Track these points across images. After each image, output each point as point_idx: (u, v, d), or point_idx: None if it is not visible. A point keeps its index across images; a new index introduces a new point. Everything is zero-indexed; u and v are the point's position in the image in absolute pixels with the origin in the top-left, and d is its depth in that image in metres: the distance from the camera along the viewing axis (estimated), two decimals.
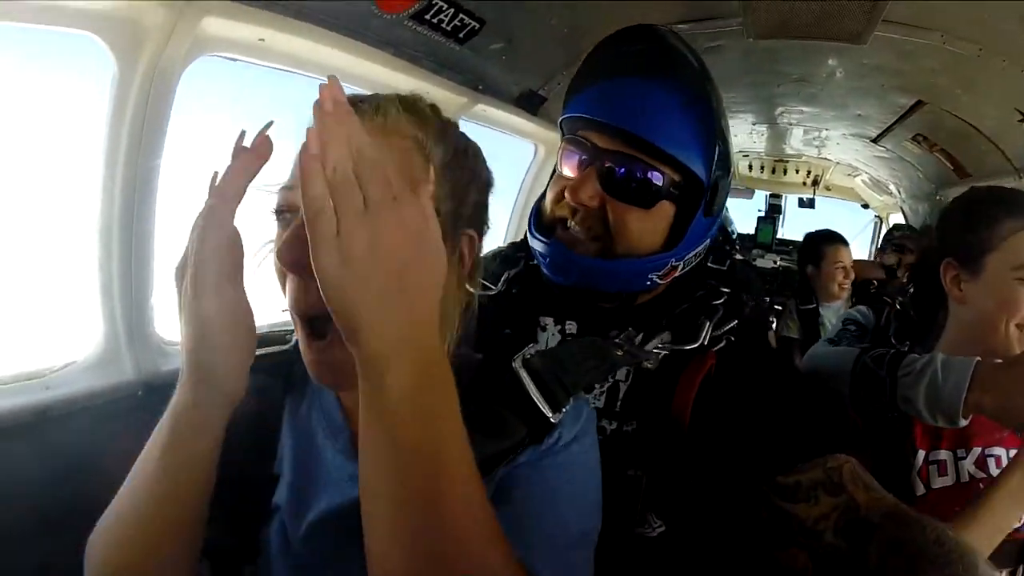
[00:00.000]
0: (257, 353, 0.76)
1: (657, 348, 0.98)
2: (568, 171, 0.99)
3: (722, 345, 1.00)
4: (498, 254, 1.18)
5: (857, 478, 0.91)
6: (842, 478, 0.90)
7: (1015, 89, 2.06)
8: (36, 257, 1.39)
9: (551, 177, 1.05)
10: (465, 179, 0.74)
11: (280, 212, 0.67)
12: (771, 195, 4.93)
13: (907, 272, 1.73)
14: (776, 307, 4.14)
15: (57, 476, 1.22)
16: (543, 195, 1.06)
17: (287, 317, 0.72)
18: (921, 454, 1.16)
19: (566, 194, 0.95)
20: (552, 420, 0.73)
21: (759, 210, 4.98)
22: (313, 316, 0.65)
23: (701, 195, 0.98)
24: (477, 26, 1.79)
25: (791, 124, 3.32)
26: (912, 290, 1.44)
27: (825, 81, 2.56)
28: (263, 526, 0.75)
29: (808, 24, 2.03)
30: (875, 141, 3.11)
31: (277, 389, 0.80)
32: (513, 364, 0.76)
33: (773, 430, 0.98)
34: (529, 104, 2.42)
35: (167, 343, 1.48)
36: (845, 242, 3.07)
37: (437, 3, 1.61)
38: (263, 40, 1.42)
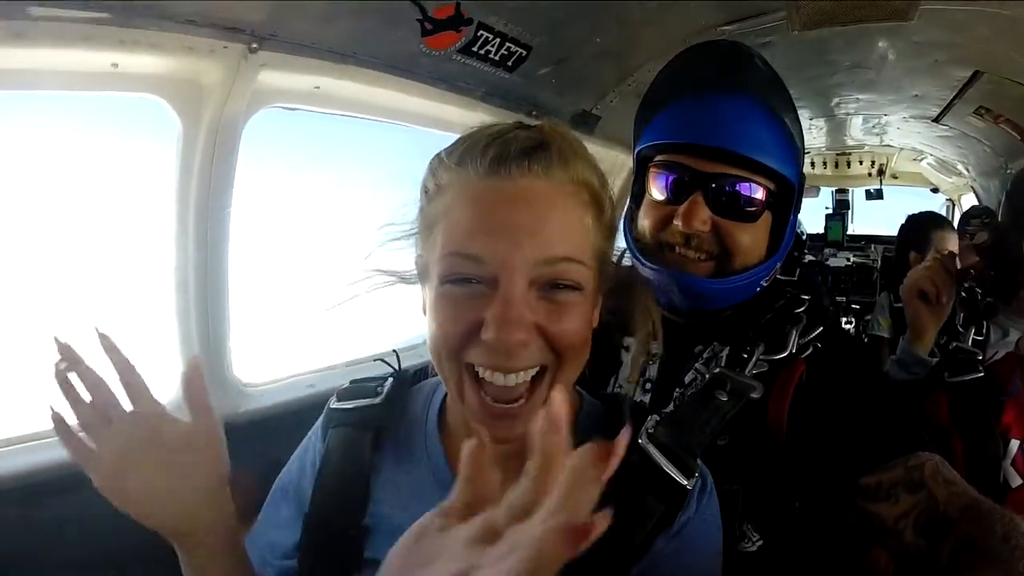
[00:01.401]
0: (347, 407, 0.81)
1: (754, 371, 0.97)
2: (661, 195, 0.99)
3: (810, 352, 0.99)
4: None
5: (938, 474, 0.88)
6: (923, 476, 0.88)
7: None
8: (120, 309, 1.45)
9: (632, 199, 1.07)
10: (617, 222, 0.77)
11: (462, 280, 0.65)
12: (837, 190, 4.68)
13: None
14: (854, 305, 3.94)
15: (128, 519, 1.26)
16: (628, 218, 1.06)
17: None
18: (1015, 443, 1.08)
19: (678, 223, 0.95)
20: (688, 487, 0.73)
21: (826, 207, 4.72)
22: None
23: (791, 197, 1.01)
24: (524, 53, 1.79)
25: (849, 114, 3.16)
26: (992, 273, 1.37)
27: (878, 65, 2.43)
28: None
29: (852, 8, 1.94)
30: (937, 120, 2.92)
31: (365, 444, 0.79)
32: (639, 441, 0.75)
33: (862, 433, 0.96)
34: (584, 124, 2.40)
35: (245, 384, 1.53)
36: (952, 227, 2.79)
37: (483, 35, 1.62)
38: (319, 88, 1.46)
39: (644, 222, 1.02)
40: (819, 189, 4.73)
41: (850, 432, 0.96)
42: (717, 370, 0.94)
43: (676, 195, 0.97)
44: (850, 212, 4.66)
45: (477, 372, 0.67)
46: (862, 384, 1.04)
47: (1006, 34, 1.99)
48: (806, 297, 1.06)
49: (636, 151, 1.05)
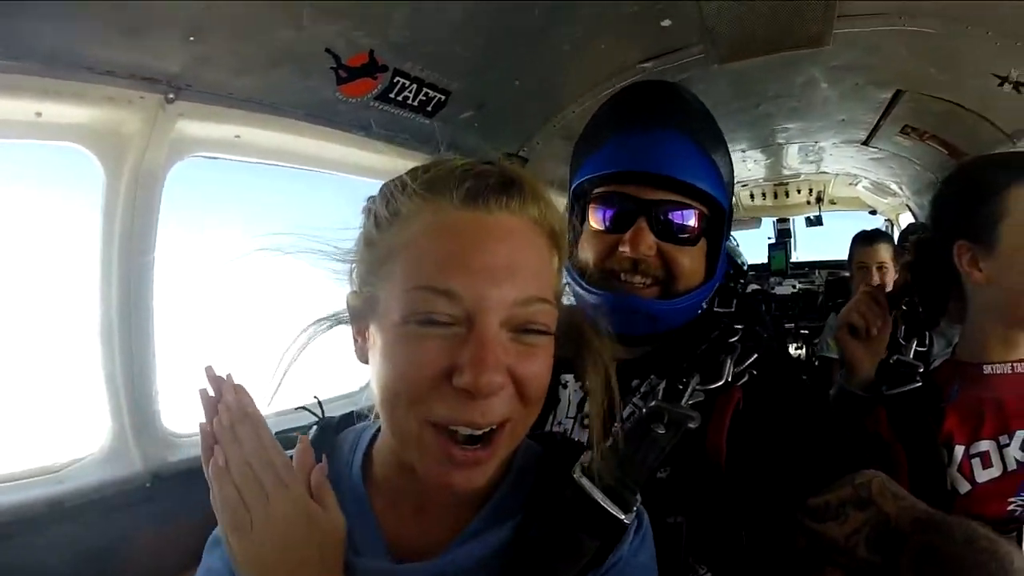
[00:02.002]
0: None
1: (690, 401, 0.99)
2: (603, 225, 1.04)
3: (746, 379, 1.02)
4: None
5: (886, 490, 0.90)
6: (871, 492, 0.89)
7: (986, 54, 1.99)
8: (47, 360, 1.46)
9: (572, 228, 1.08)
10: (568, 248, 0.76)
11: (428, 320, 0.60)
12: (778, 220, 4.83)
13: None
14: (802, 331, 4.02)
15: (73, 565, 1.25)
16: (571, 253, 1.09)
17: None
18: (960, 449, 1.09)
19: (624, 249, 1.00)
20: (625, 521, 0.72)
21: (769, 237, 4.89)
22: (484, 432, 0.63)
23: (723, 224, 1.07)
24: (443, 98, 1.86)
25: (782, 143, 3.29)
26: (916, 286, 1.41)
27: (802, 92, 2.55)
28: None
29: (768, 38, 2.05)
30: (866, 143, 3.05)
31: None
32: (573, 475, 0.75)
33: (805, 455, 0.97)
34: None
35: (173, 435, 1.52)
36: (869, 240, 2.89)
37: (399, 81, 1.69)
38: (239, 137, 1.52)
39: (586, 254, 1.05)
40: (760, 220, 4.89)
41: (792, 455, 0.97)
42: (653, 403, 0.95)
43: (619, 224, 1.02)
44: (792, 240, 4.83)
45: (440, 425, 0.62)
46: (801, 407, 1.06)
47: (921, 51, 2.12)
48: (739, 326, 1.09)
49: (573, 186, 1.10)
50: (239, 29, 1.28)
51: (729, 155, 1.10)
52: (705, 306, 1.14)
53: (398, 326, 0.61)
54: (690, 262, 1.04)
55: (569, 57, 2.02)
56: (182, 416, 1.54)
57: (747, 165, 3.73)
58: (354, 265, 0.71)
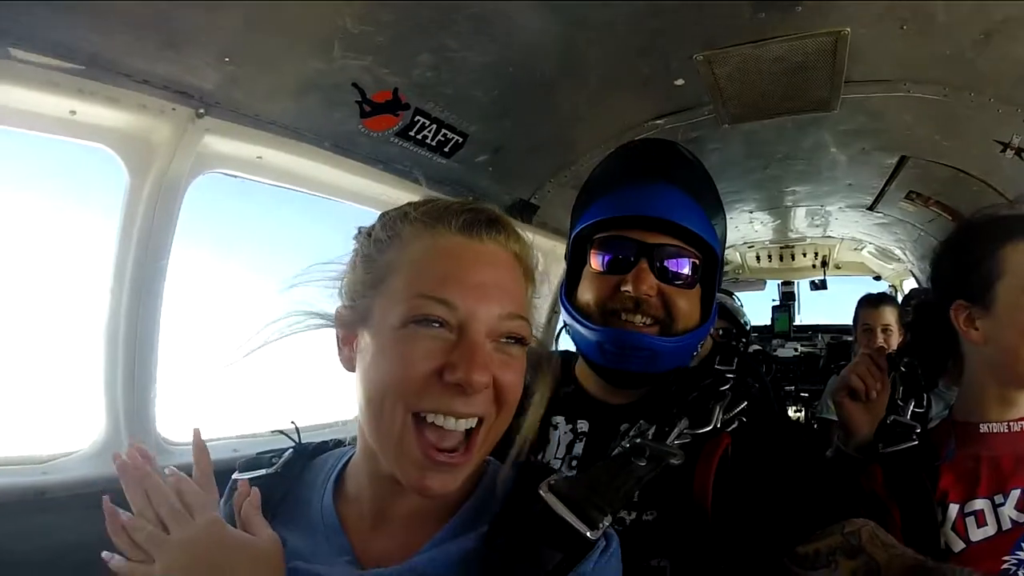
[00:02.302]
0: (245, 477, 0.86)
1: (676, 441, 1.01)
2: (605, 267, 1.10)
3: (735, 426, 1.04)
4: None
5: (876, 538, 0.91)
6: (861, 540, 0.90)
7: (989, 121, 2.04)
8: (54, 352, 1.49)
9: (569, 275, 1.18)
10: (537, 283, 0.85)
11: (428, 323, 0.70)
12: (783, 283, 4.87)
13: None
14: (803, 393, 3.97)
15: (50, 555, 1.26)
16: (564, 294, 1.17)
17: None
18: (954, 508, 1.07)
19: (627, 289, 1.05)
20: (591, 537, 0.74)
21: (773, 299, 4.91)
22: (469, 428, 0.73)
23: (715, 271, 1.14)
24: (460, 140, 1.93)
25: (790, 206, 3.35)
26: (916, 347, 1.42)
27: (810, 155, 2.61)
28: None
29: (777, 101, 2.13)
30: (871, 208, 3.09)
31: None
32: (540, 491, 0.78)
33: (793, 502, 0.99)
34: (522, 213, 2.52)
35: (166, 441, 1.54)
36: (875, 303, 2.91)
37: (420, 120, 1.77)
38: (261, 158, 1.59)
39: (587, 295, 1.11)
40: (765, 282, 4.90)
41: (780, 502, 0.99)
42: (638, 440, 0.98)
43: (621, 266, 1.07)
44: (796, 303, 4.83)
45: (421, 418, 0.70)
46: (790, 455, 1.08)
47: (926, 117, 2.18)
48: (731, 376, 1.14)
49: (574, 232, 1.16)
50: (271, 55, 1.36)
51: (724, 214, 1.18)
52: (699, 351, 1.19)
53: (396, 329, 0.71)
54: (688, 304, 1.09)
55: (583, 111, 2.11)
56: (176, 424, 1.57)
57: (754, 226, 3.78)
58: (344, 282, 0.81)
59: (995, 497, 1.06)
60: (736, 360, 1.39)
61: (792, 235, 4.06)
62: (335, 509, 0.81)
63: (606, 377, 1.14)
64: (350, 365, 0.78)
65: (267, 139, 1.55)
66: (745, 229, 3.83)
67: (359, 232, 0.83)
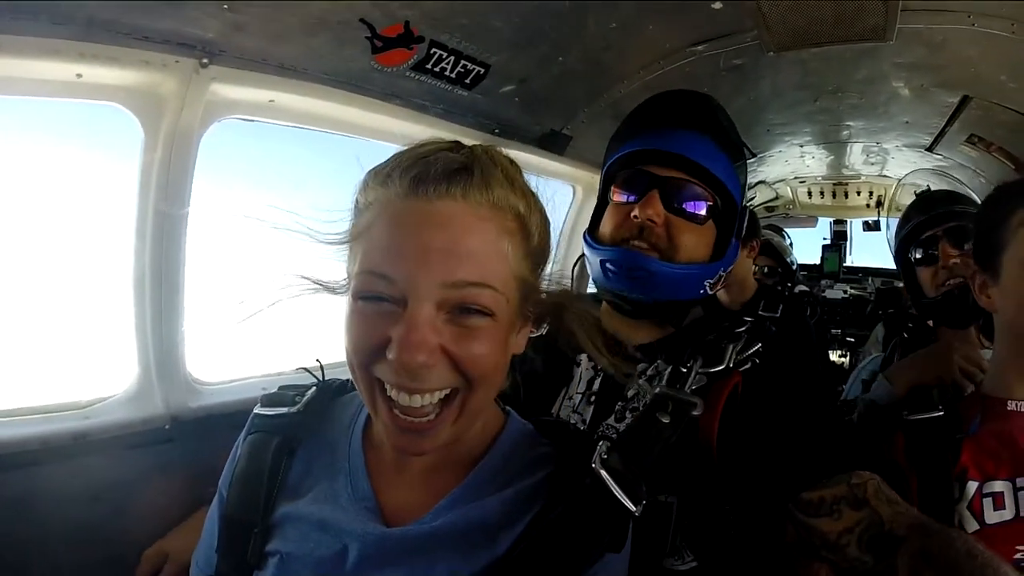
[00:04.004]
0: (267, 413, 0.87)
1: (693, 386, 1.02)
2: (623, 197, 1.14)
3: (747, 367, 1.05)
4: None
5: (881, 493, 0.90)
6: (866, 493, 0.90)
7: None
8: (87, 303, 1.55)
9: (596, 211, 1.22)
10: (546, 247, 0.80)
11: (373, 299, 0.68)
12: (835, 221, 4.61)
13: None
14: (848, 338, 3.83)
15: (93, 493, 1.35)
16: (592, 227, 1.21)
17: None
18: (973, 485, 1.02)
19: (635, 212, 1.09)
20: (635, 512, 0.75)
21: (824, 238, 4.69)
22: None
23: (734, 219, 1.16)
24: (482, 71, 1.82)
25: (843, 141, 3.10)
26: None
27: (864, 89, 2.38)
28: (256, 570, 0.79)
29: (826, 28, 1.91)
30: (930, 150, 2.83)
31: (271, 449, 0.84)
32: (593, 466, 0.78)
33: (800, 447, 1.01)
34: (554, 144, 2.41)
35: (195, 381, 1.59)
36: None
37: (436, 52, 1.66)
38: (273, 101, 1.55)
39: (605, 226, 1.16)
40: (817, 219, 4.64)
41: (787, 445, 1.00)
42: (658, 390, 0.98)
43: (636, 195, 1.11)
44: (848, 244, 4.57)
45: (386, 388, 0.69)
46: (801, 400, 1.08)
47: (991, 55, 1.94)
48: (749, 318, 1.17)
49: (604, 170, 1.21)
50: None
51: (746, 168, 1.21)
52: (708, 290, 1.18)
53: (352, 303, 0.69)
54: (693, 239, 1.11)
55: (615, 37, 1.93)
56: (206, 365, 1.63)
57: (805, 161, 3.54)
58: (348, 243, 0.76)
59: (1016, 480, 1.00)
60: (780, 307, 1.43)
61: (847, 172, 3.81)
62: (363, 452, 0.81)
63: (615, 305, 1.18)
64: None
65: (277, 82, 1.49)
66: (796, 163, 3.59)
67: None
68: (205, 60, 1.32)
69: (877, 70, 2.21)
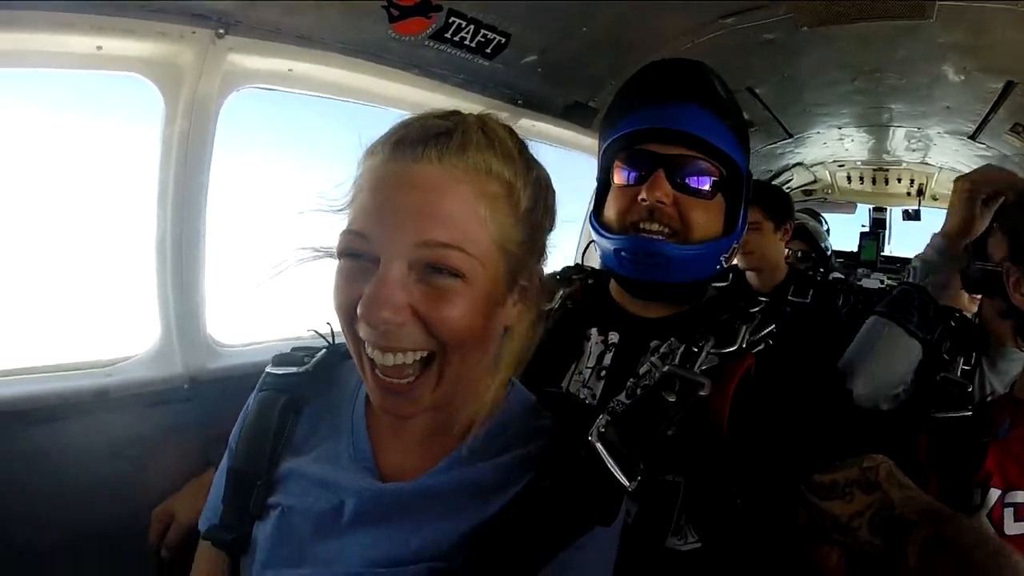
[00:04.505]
0: (277, 372, 0.89)
1: (704, 366, 1.00)
2: (626, 180, 1.10)
3: (761, 348, 1.02)
4: (554, 275, 1.29)
5: (893, 477, 0.89)
6: (878, 477, 0.89)
7: None
8: (113, 266, 1.61)
9: (599, 194, 1.18)
10: (542, 218, 0.78)
11: (352, 255, 0.69)
12: (874, 208, 4.42)
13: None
14: None
15: (113, 448, 1.41)
16: (596, 211, 1.17)
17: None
18: (995, 493, 0.98)
19: (643, 195, 1.05)
20: (629, 488, 0.76)
21: (862, 225, 4.50)
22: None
23: (741, 186, 1.12)
24: (503, 40, 1.78)
25: (883, 125, 2.95)
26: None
27: (903, 70, 2.26)
28: (258, 521, 0.82)
29: (863, 3, 1.82)
30: (973, 138, 2.67)
31: (278, 407, 0.87)
32: (589, 438, 0.78)
33: (812, 430, 0.98)
34: (580, 116, 2.36)
35: (217, 343, 1.64)
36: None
37: (455, 21, 1.64)
38: (291, 70, 1.56)
39: (611, 210, 1.12)
40: (856, 206, 4.45)
41: (799, 428, 0.97)
42: (667, 368, 0.96)
43: (640, 176, 1.08)
44: (887, 232, 4.37)
45: (367, 347, 0.70)
46: (814, 382, 1.05)
47: None
48: (764, 298, 1.13)
49: (602, 151, 1.17)
50: None
51: (747, 134, 1.16)
52: (724, 268, 1.16)
53: (339, 262, 0.71)
54: (705, 215, 1.08)
55: (641, 7, 1.88)
56: (227, 327, 1.68)
57: (844, 144, 3.39)
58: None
59: None
60: (811, 292, 1.38)
61: (887, 158, 3.63)
62: (365, 414, 0.83)
63: (629, 289, 1.16)
64: None
65: (295, 52, 1.50)
66: (834, 146, 3.44)
67: None
68: (221, 31, 1.33)
69: (917, 50, 2.10)
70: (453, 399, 0.75)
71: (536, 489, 0.74)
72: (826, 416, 1.01)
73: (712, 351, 1.02)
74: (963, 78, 2.19)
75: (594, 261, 1.29)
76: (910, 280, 1.31)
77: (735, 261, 1.24)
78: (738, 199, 1.13)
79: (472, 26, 1.69)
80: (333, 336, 0.95)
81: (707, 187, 1.08)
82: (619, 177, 1.12)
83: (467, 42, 1.73)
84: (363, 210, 0.69)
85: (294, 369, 0.90)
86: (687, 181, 1.07)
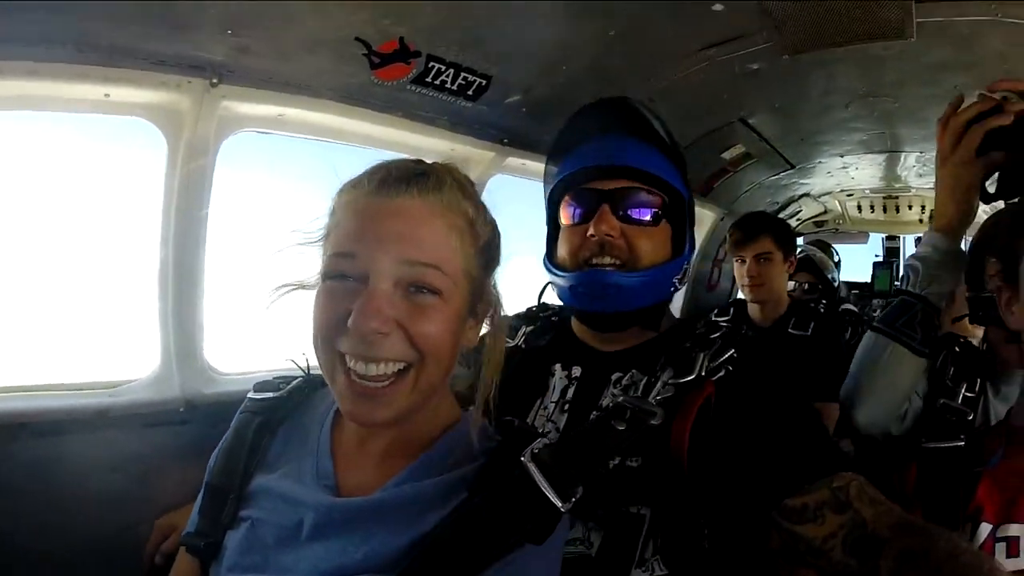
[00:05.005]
0: (256, 397, 1.00)
1: (659, 396, 1.03)
2: (573, 219, 1.16)
3: (721, 375, 1.03)
4: (519, 314, 1.35)
5: (863, 494, 0.88)
6: (848, 496, 0.88)
7: None
8: (122, 292, 1.73)
9: (549, 236, 1.24)
10: (494, 253, 0.90)
11: (339, 277, 0.78)
12: (887, 237, 4.32)
13: None
14: None
15: (113, 463, 1.49)
16: (549, 252, 1.23)
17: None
18: (986, 528, 0.93)
19: (591, 231, 1.10)
20: (562, 509, 0.78)
21: (876, 255, 4.37)
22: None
23: (684, 210, 1.17)
24: (484, 82, 1.85)
25: (885, 151, 2.87)
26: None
27: (896, 93, 2.22)
28: (230, 531, 0.88)
29: (841, 26, 1.82)
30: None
31: (253, 425, 0.95)
32: (522, 459, 0.82)
33: (782, 454, 0.97)
34: None
35: (214, 370, 1.71)
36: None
37: (435, 66, 1.71)
38: (282, 115, 1.67)
39: (562, 249, 1.17)
40: (868, 235, 4.31)
41: (767, 453, 0.96)
42: (620, 399, 0.99)
43: (587, 215, 1.13)
44: (900, 261, 4.18)
45: (344, 357, 0.77)
46: (777, 405, 1.04)
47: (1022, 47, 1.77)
48: (724, 324, 1.19)
49: (547, 195, 1.23)
50: (271, 21, 1.39)
51: (683, 158, 1.21)
52: (676, 286, 1.19)
53: (321, 284, 0.80)
54: (651, 243, 1.12)
55: (617, 44, 1.91)
56: (223, 355, 1.76)
57: (849, 173, 3.30)
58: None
59: None
60: (812, 324, 1.35)
61: (897, 184, 3.53)
62: (331, 437, 0.90)
63: (589, 323, 1.19)
64: None
65: (284, 98, 1.60)
66: (840, 175, 3.36)
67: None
68: (215, 80, 1.45)
69: (906, 72, 2.07)
70: (416, 412, 0.82)
71: (469, 504, 0.78)
72: (793, 438, 0.99)
73: (670, 381, 1.04)
74: (955, 96, 2.13)
75: (554, 300, 1.32)
76: (908, 287, 1.24)
77: (740, 295, 1.27)
78: (682, 223, 1.18)
79: (452, 70, 1.76)
80: (308, 368, 1.02)
81: (650, 216, 1.13)
82: (567, 217, 1.17)
83: (448, 85, 1.80)
84: (349, 234, 0.78)
85: (271, 394, 0.98)
86: (630, 212, 1.12)
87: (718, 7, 1.78)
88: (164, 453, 1.57)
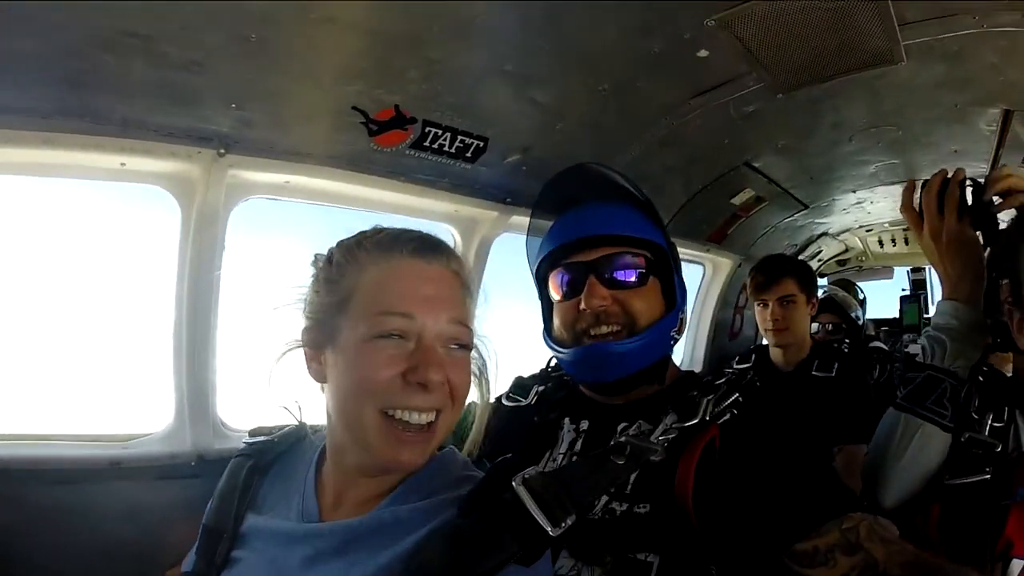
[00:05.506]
0: (250, 442, 1.05)
1: (661, 436, 1.01)
2: (561, 296, 1.18)
3: (726, 419, 1.03)
4: (534, 375, 1.39)
5: (874, 534, 0.86)
6: (859, 537, 0.86)
7: None
8: (141, 350, 1.81)
9: (543, 312, 1.26)
10: (475, 295, 0.97)
11: (392, 335, 0.83)
12: (912, 270, 4.11)
13: None
14: None
15: (124, 512, 1.54)
16: (547, 328, 1.25)
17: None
18: (1017, 565, 0.88)
19: (583, 306, 1.12)
20: (552, 534, 0.79)
21: (903, 289, 4.17)
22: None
23: (668, 261, 1.18)
24: (481, 144, 1.90)
25: (896, 181, 2.76)
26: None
27: (897, 120, 2.16)
28: (223, 571, 0.92)
29: (829, 60, 1.81)
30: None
31: (245, 467, 1.01)
32: (513, 482, 0.84)
33: (787, 498, 0.94)
34: None
35: (225, 426, 1.76)
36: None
37: (431, 130, 1.78)
38: (288, 182, 1.77)
39: (559, 325, 1.19)
40: (893, 270, 4.12)
41: (775, 497, 0.94)
42: (623, 439, 1.00)
43: (575, 288, 1.14)
44: (928, 293, 3.98)
45: (389, 415, 0.82)
46: (784, 448, 1.01)
47: (1016, 57, 1.72)
48: (730, 370, 1.20)
49: (534, 273, 1.26)
50: (270, 95, 1.50)
51: (652, 204, 1.22)
52: (676, 337, 1.21)
53: (362, 343, 0.83)
54: (645, 302, 1.13)
55: (609, 100, 1.96)
56: (234, 411, 1.81)
57: (865, 208, 3.20)
58: (306, 302, 0.93)
59: None
60: (837, 365, 1.48)
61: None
62: (316, 479, 0.94)
63: (595, 390, 1.20)
64: (320, 377, 0.91)
65: (289, 166, 1.69)
66: (856, 211, 3.26)
67: (316, 258, 0.95)
68: (222, 150, 1.55)
69: (903, 98, 2.03)
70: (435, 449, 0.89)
71: (454, 523, 0.80)
72: (801, 480, 0.96)
73: (674, 425, 1.03)
74: (957, 116, 2.08)
75: None
76: (933, 362, 1.18)
77: (764, 340, 1.26)
78: (669, 273, 1.19)
79: (448, 133, 1.82)
80: (301, 413, 1.07)
81: (636, 277, 1.14)
82: (557, 293, 1.19)
83: (447, 148, 1.86)
84: (402, 296, 0.84)
85: (263, 439, 1.03)
86: (617, 276, 1.13)
87: (703, 53, 1.81)
88: (175, 505, 1.58)
